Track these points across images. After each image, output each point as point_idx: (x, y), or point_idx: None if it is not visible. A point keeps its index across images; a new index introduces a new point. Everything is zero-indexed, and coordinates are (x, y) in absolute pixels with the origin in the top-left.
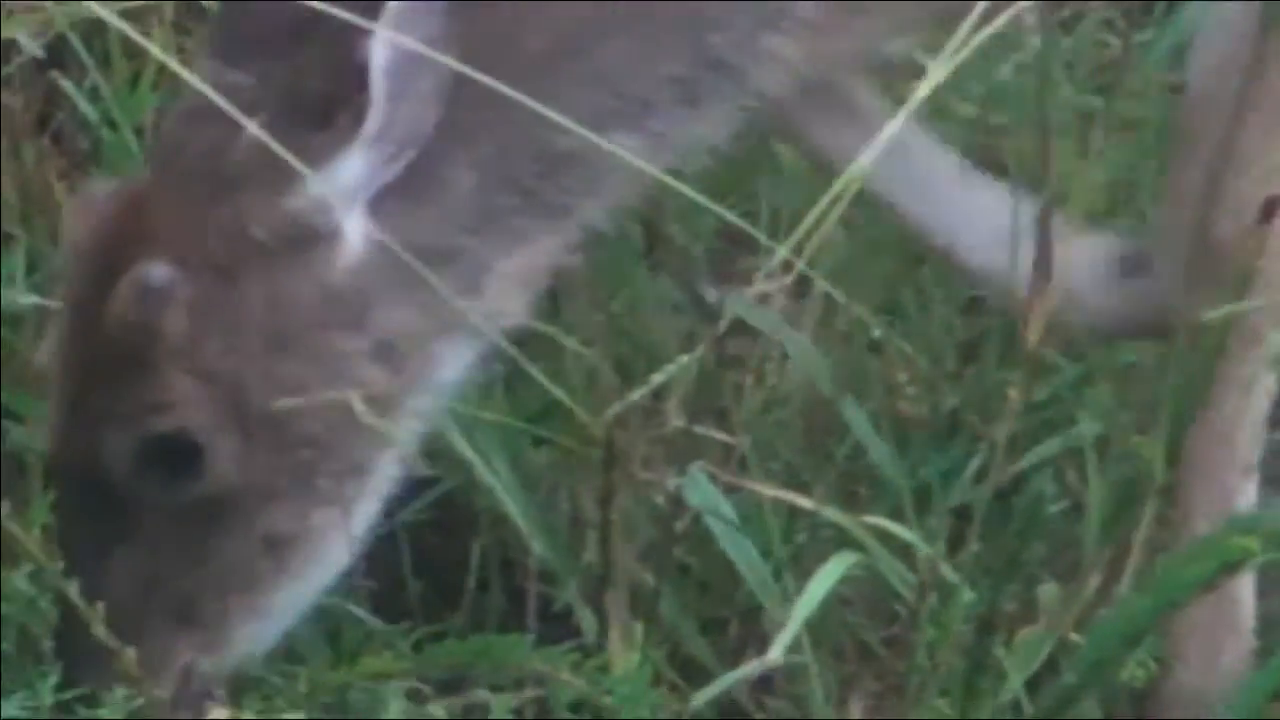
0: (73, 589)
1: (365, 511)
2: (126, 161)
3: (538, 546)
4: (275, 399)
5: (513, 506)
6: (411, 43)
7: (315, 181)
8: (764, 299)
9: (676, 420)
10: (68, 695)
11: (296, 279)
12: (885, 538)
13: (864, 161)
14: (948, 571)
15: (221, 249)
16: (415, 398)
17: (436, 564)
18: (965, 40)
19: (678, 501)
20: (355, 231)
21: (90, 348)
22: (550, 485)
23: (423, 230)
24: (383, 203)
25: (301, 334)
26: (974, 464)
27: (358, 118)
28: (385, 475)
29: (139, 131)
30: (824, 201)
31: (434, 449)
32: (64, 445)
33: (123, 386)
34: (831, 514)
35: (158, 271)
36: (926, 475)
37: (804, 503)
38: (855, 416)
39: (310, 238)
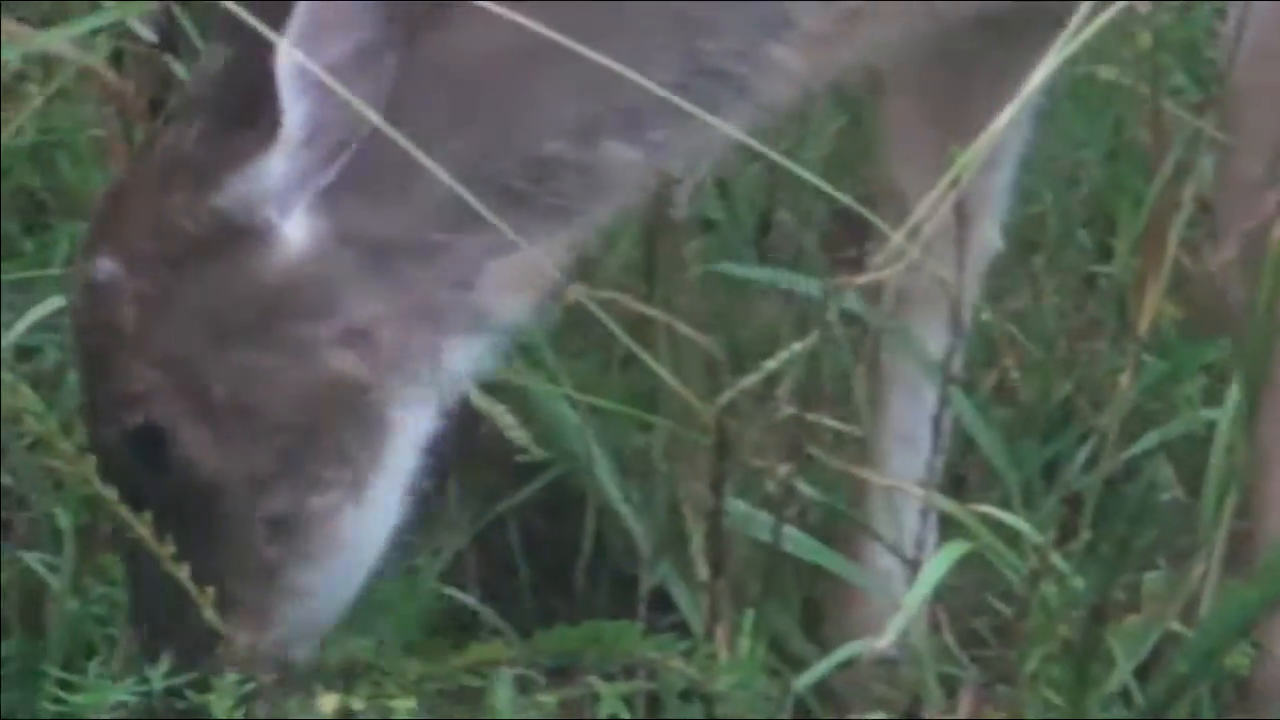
0: (184, 573)
1: (383, 494)
2: None
3: (643, 534)
4: (238, 388)
5: (619, 493)
6: (311, 56)
7: (236, 181)
8: (876, 285)
9: (788, 407)
10: (178, 680)
11: (236, 273)
12: (996, 526)
13: (978, 147)
14: (1058, 560)
15: (164, 244)
16: (410, 386)
17: (546, 550)
18: (1077, 31)
19: (789, 489)
20: (298, 227)
21: (77, 346)
22: (659, 472)
23: (390, 225)
24: (343, 199)
25: (255, 324)
26: (1085, 451)
27: (275, 121)
28: (398, 459)
29: None
30: (938, 186)
31: (543, 434)
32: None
33: (98, 382)
34: (942, 502)
35: (104, 266)
36: (1037, 463)
37: (914, 491)
38: (964, 404)
39: (241, 234)
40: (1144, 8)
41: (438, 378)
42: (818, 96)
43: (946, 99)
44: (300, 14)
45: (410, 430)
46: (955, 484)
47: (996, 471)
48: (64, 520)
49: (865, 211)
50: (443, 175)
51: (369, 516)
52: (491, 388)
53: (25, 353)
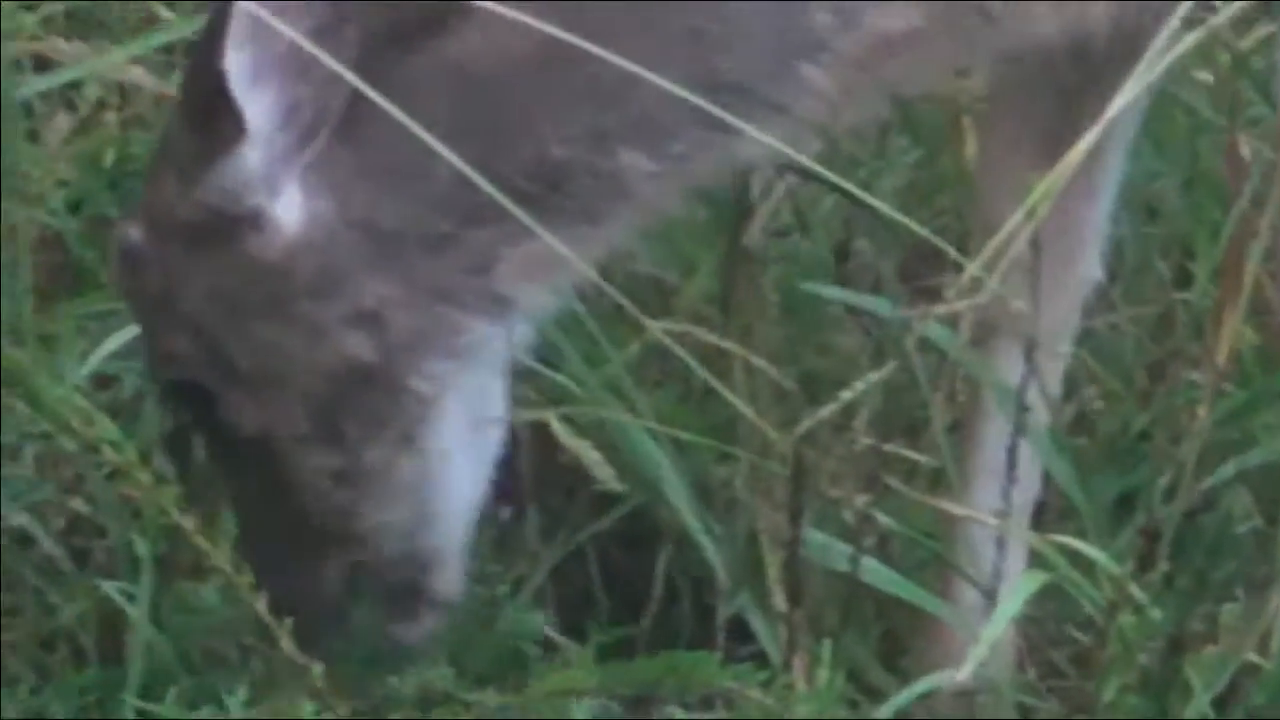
0: (262, 604)
1: (439, 443)
2: None
3: (722, 564)
4: (261, 360)
5: (698, 524)
6: (262, 47)
7: (212, 176)
8: (953, 316)
9: (865, 437)
10: (256, 709)
11: (237, 256)
12: (1074, 557)
13: (1054, 178)
14: (1136, 591)
15: (172, 225)
16: (436, 361)
17: (623, 579)
18: (1158, 57)
19: (866, 519)
20: (292, 209)
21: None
22: (737, 502)
23: (398, 214)
24: (348, 183)
25: (265, 303)
26: (1163, 482)
27: (235, 120)
28: (450, 427)
29: None
30: (1015, 217)
31: (622, 465)
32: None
33: (146, 338)
34: (1020, 532)
35: (130, 233)
36: (1114, 493)
37: (990, 521)
38: (1040, 436)
39: (233, 221)
40: (1223, 37)
41: (466, 352)
42: (876, 118)
43: (1043, 131)
44: (235, 15)
45: (448, 399)
46: (1034, 514)
47: (1074, 502)
48: (142, 549)
49: (940, 243)
50: (455, 160)
51: (432, 465)
52: (571, 419)
53: (103, 381)
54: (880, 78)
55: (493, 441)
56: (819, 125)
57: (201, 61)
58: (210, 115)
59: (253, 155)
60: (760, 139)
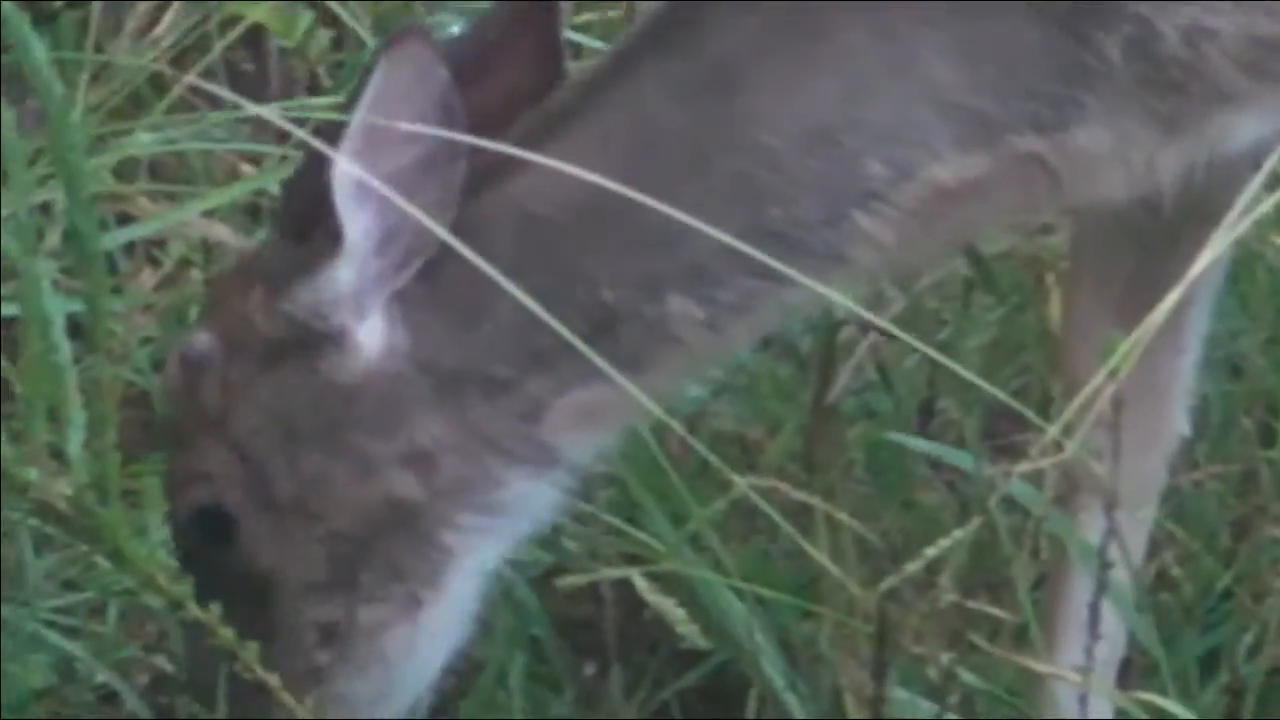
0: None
1: (438, 614)
2: None
3: None
4: (301, 490)
5: (783, 681)
6: (370, 166)
7: (303, 289)
8: (1037, 474)
9: (950, 594)
10: None
11: (305, 377)
12: (1158, 714)
13: (1137, 337)
14: None
15: (250, 337)
16: (470, 515)
17: None
18: (1239, 218)
19: (950, 676)
20: (369, 339)
21: (163, 418)
22: (822, 659)
23: (462, 354)
24: (423, 319)
25: (325, 428)
26: (1246, 640)
27: (336, 233)
28: (454, 583)
29: None
30: (1098, 377)
31: (707, 621)
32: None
33: (175, 455)
34: (1104, 690)
35: (199, 341)
36: (1196, 651)
37: (1073, 678)
38: (1123, 594)
39: (316, 338)
40: None
41: (500, 509)
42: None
43: (1126, 289)
44: (355, 126)
45: (468, 556)
46: (1119, 672)
47: (1157, 660)
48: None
49: (1020, 406)
50: (524, 300)
51: (421, 635)
52: (656, 575)
53: None
54: (940, 228)
55: (465, 630)
56: (897, 279)
57: (307, 171)
58: (309, 226)
59: (347, 273)
60: (814, 287)
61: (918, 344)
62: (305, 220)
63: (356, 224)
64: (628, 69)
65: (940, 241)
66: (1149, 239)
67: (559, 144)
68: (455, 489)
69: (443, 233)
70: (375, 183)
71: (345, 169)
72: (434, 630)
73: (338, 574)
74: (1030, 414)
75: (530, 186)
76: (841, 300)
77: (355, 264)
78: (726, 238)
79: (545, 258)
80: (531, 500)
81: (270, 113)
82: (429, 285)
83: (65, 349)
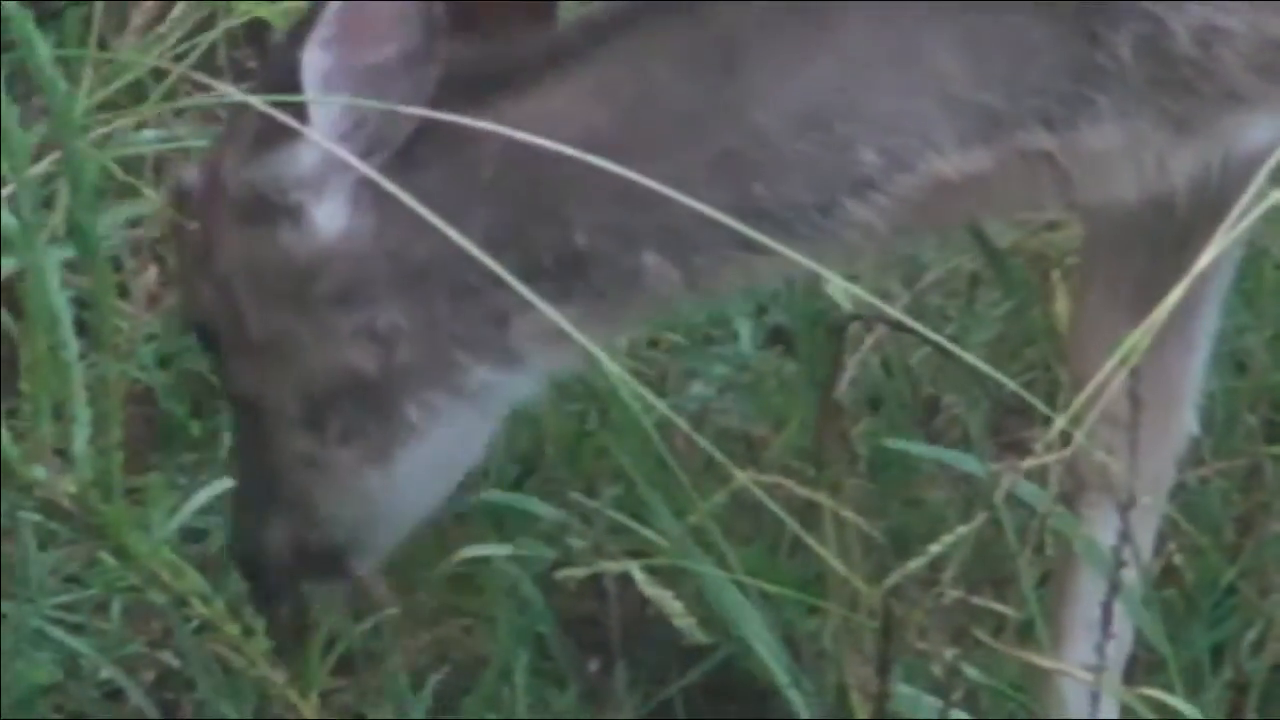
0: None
1: (411, 467)
2: None
3: (811, 717)
4: (271, 338)
5: (787, 677)
6: (347, 55)
7: (266, 161)
8: (1042, 471)
9: (954, 591)
10: None
11: (267, 244)
12: (1162, 710)
13: (1142, 332)
14: None
15: (226, 190)
16: (434, 393)
17: None
18: (1243, 214)
19: (955, 672)
20: (328, 220)
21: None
22: (826, 656)
23: (430, 252)
24: (395, 213)
25: (285, 293)
26: (1250, 635)
27: (298, 115)
28: (423, 446)
29: None
30: (1104, 370)
31: (711, 617)
32: None
33: (183, 281)
34: (1107, 687)
35: (189, 178)
36: (1203, 647)
37: (1081, 676)
38: (1130, 592)
39: (269, 211)
40: None
41: (466, 393)
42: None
43: (1137, 286)
44: (328, 14)
45: (438, 428)
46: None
47: (1162, 656)
48: (229, 709)
49: (1029, 397)
50: (464, 242)
51: (399, 480)
52: (660, 571)
53: (192, 535)
54: (938, 216)
55: (457, 475)
56: (891, 257)
57: (284, 48)
58: (277, 103)
59: (308, 154)
60: (801, 262)
61: (925, 334)
62: (274, 95)
63: (322, 109)
64: (638, 24)
65: (938, 228)
66: (1161, 238)
67: (559, 82)
68: (415, 371)
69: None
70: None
71: (315, 54)
72: (413, 477)
73: (310, 415)
74: (1038, 405)
75: (525, 113)
76: (830, 276)
77: (317, 147)
78: (707, 209)
79: (525, 186)
80: (500, 389)
81: (271, 108)
82: (405, 178)
83: (72, 346)
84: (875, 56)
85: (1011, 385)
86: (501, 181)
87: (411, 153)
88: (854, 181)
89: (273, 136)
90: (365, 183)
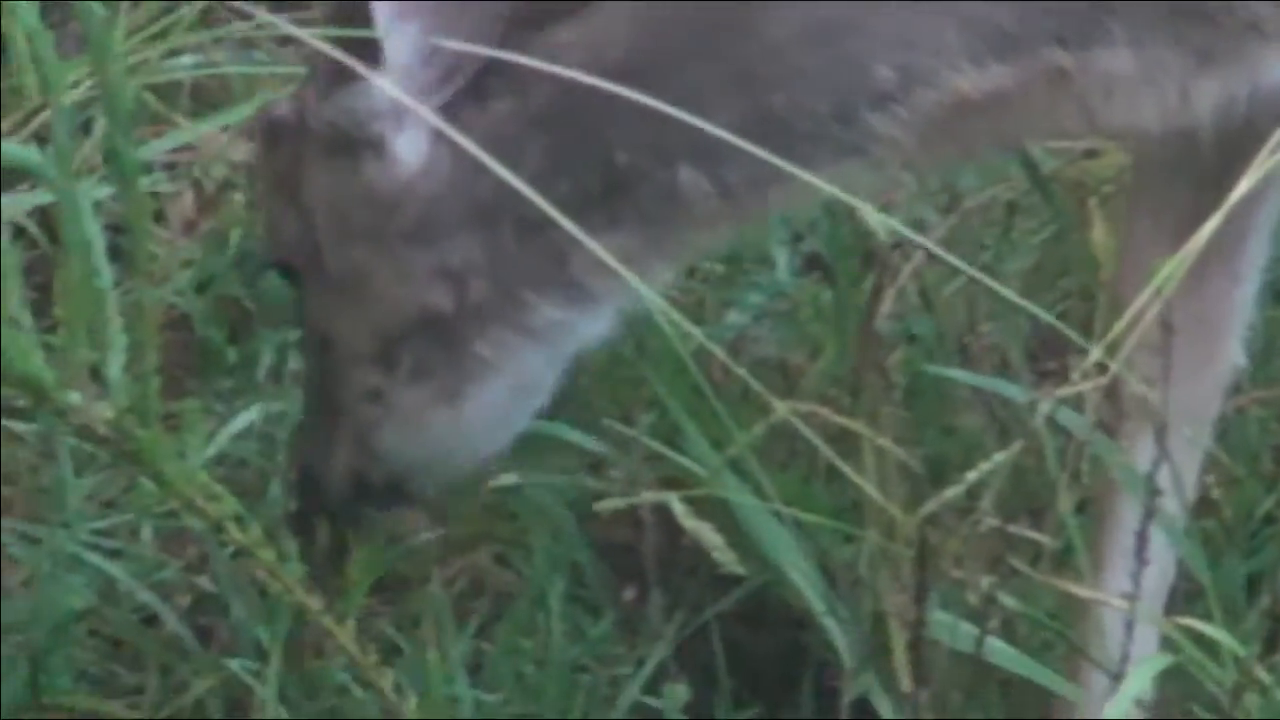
0: (388, 683)
1: (477, 408)
2: None
3: (847, 645)
4: (347, 272)
5: (823, 605)
6: None
7: (343, 96)
8: (1079, 398)
9: (991, 519)
10: None
11: (350, 176)
12: (1200, 639)
13: (1178, 259)
14: (1262, 673)
15: (309, 124)
16: (505, 332)
17: (749, 661)
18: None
19: (991, 600)
20: (409, 152)
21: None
22: (862, 583)
23: (496, 186)
24: (464, 153)
25: (365, 227)
26: None
27: (373, 47)
28: (490, 386)
29: None
30: (1140, 300)
31: (747, 546)
32: None
33: (266, 213)
34: (1144, 615)
35: (280, 109)
36: (1240, 577)
37: (1117, 604)
38: (1167, 520)
39: (351, 144)
40: None
41: (536, 332)
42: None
43: (1185, 217)
44: None
45: (509, 366)
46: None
47: (1201, 585)
48: (265, 634)
49: (1064, 328)
50: (509, 176)
51: (466, 422)
52: (695, 500)
53: (228, 460)
54: (965, 134)
55: (524, 416)
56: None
57: None
58: (357, 38)
59: (384, 85)
60: (812, 181)
61: (960, 265)
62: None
63: (398, 40)
64: None
65: (966, 147)
66: (1205, 169)
67: (597, 9)
68: (487, 309)
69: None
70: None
71: None
72: (480, 416)
73: (383, 352)
74: (1073, 335)
75: (569, 40)
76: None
77: (393, 78)
78: (712, 128)
79: (569, 111)
80: (568, 328)
81: (310, 35)
82: (477, 113)
83: (106, 272)
84: None
85: (1046, 316)
86: (551, 109)
87: (481, 84)
88: (872, 95)
89: (347, 71)
90: (446, 115)
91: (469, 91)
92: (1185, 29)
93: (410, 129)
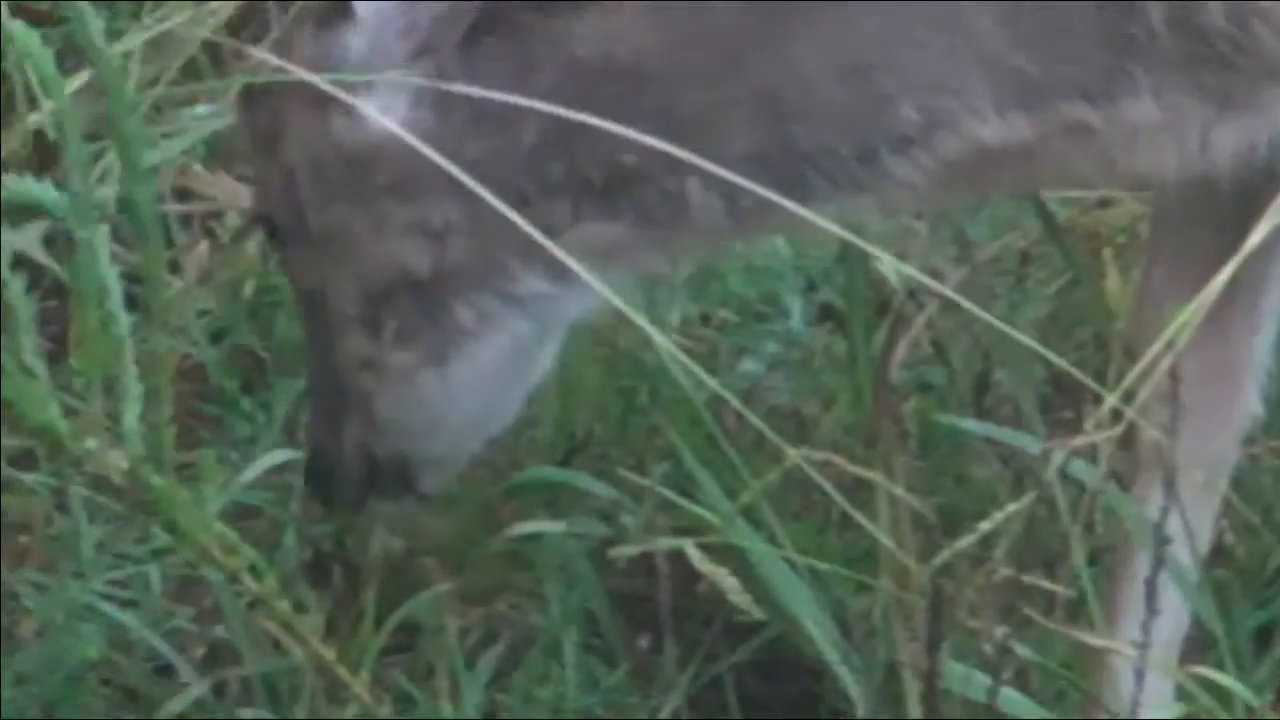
0: None
1: (465, 370)
2: None
3: (860, 694)
4: (328, 228)
5: (837, 654)
6: None
7: (314, 48)
8: (1092, 448)
9: (1004, 568)
10: None
11: (327, 128)
12: (1213, 688)
13: (1193, 307)
14: None
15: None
16: (485, 298)
17: (763, 710)
18: None
19: (1005, 650)
20: (386, 110)
21: None
22: (876, 632)
23: (484, 152)
24: (455, 110)
25: (341, 182)
26: None
27: (347, 6)
28: (492, 354)
29: None
30: (1153, 349)
31: (761, 594)
32: None
33: (253, 170)
34: (1157, 665)
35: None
36: (1251, 626)
37: (1128, 652)
38: (1177, 569)
39: (322, 98)
40: None
41: (518, 301)
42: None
43: (1205, 264)
44: None
45: (492, 333)
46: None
47: (1214, 634)
48: (280, 686)
49: (1080, 374)
50: (466, 179)
51: (452, 387)
52: (709, 547)
53: (243, 510)
54: (983, 182)
55: (521, 391)
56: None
57: None
58: None
59: (357, 43)
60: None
61: (976, 311)
62: None
63: (372, 3)
64: None
65: (980, 192)
66: (1225, 214)
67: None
68: (467, 272)
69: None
70: None
71: None
72: (470, 385)
73: (367, 314)
74: (1088, 382)
75: (581, 30)
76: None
77: (365, 39)
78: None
79: (579, 98)
80: (553, 301)
81: (324, 82)
82: (468, 76)
83: (123, 321)
84: (918, 13)
85: (1061, 362)
86: (558, 89)
87: (475, 45)
88: (894, 137)
89: (323, 28)
90: (434, 72)
91: (463, 49)
92: (1204, 75)
93: (382, 91)
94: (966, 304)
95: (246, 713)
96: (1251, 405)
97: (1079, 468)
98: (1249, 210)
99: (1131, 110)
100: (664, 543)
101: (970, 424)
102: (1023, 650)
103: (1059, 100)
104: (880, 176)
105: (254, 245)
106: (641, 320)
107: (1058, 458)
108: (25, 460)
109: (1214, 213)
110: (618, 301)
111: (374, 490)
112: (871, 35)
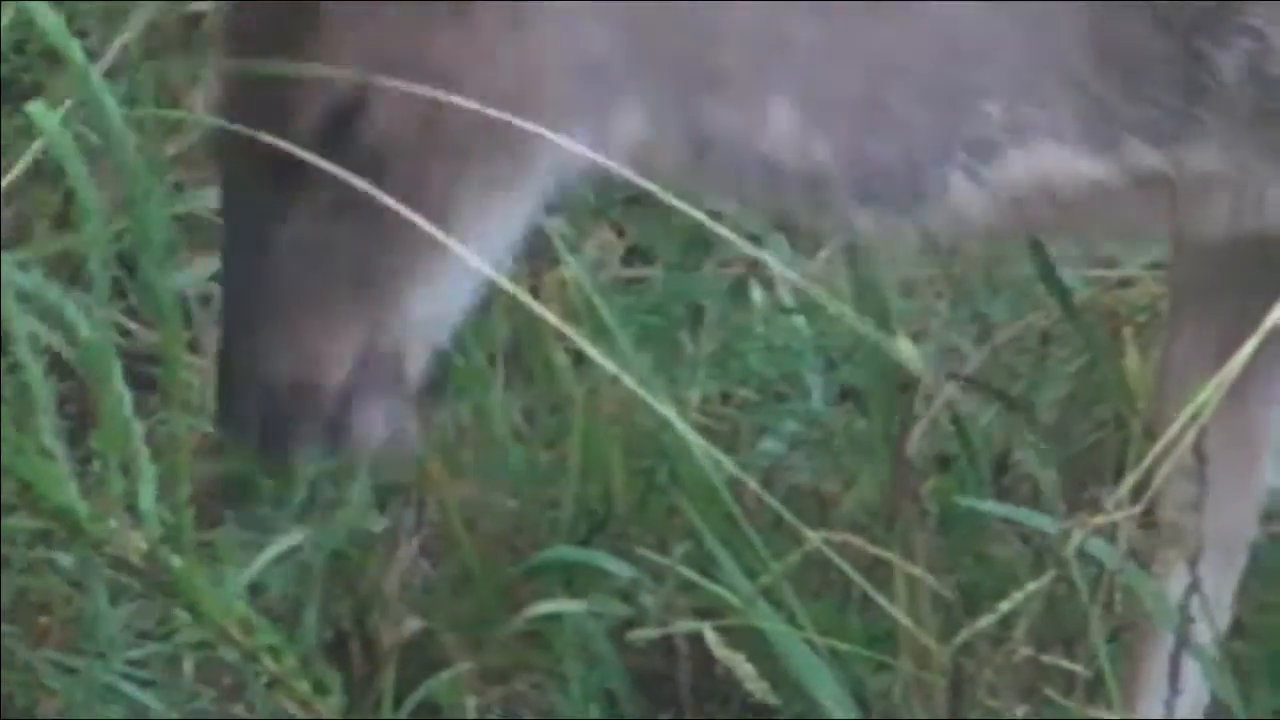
0: None
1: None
2: None
3: None
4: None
5: None
6: None
7: None
8: (1112, 527)
9: (1024, 648)
10: None
11: None
12: None
13: (1214, 385)
14: None
15: None
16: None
17: None
18: None
19: None
20: None
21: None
22: (895, 712)
23: None
24: None
25: None
26: None
27: None
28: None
29: None
30: (1173, 429)
31: (780, 674)
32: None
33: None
34: None
35: None
36: (1272, 706)
37: None
38: (1197, 648)
39: None
40: None
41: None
42: None
43: (1226, 339)
44: None
45: (486, 212)
46: None
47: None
48: None
49: (1100, 453)
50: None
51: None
52: (730, 629)
53: (263, 590)
54: (1034, 223)
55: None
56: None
57: None
58: None
59: None
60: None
61: (997, 390)
62: None
63: None
64: None
65: (1020, 235)
66: (1251, 287)
67: None
68: (465, 149)
69: None
70: None
71: None
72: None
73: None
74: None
75: None
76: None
77: None
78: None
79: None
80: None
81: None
82: None
83: (128, 402)
84: (1016, 15)
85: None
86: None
87: None
88: (971, 139)
89: None
90: None
91: None
92: (1271, 132)
93: None
94: (986, 383)
95: None
96: (1270, 478)
97: (1098, 547)
98: (1271, 282)
99: (1197, 159)
100: (683, 625)
101: (989, 505)
102: None
103: (1130, 135)
104: (939, 191)
105: None
106: (661, 402)
107: (1077, 537)
108: (45, 540)
109: (1236, 285)
110: (669, 413)
111: (310, 427)
112: (971, 18)
